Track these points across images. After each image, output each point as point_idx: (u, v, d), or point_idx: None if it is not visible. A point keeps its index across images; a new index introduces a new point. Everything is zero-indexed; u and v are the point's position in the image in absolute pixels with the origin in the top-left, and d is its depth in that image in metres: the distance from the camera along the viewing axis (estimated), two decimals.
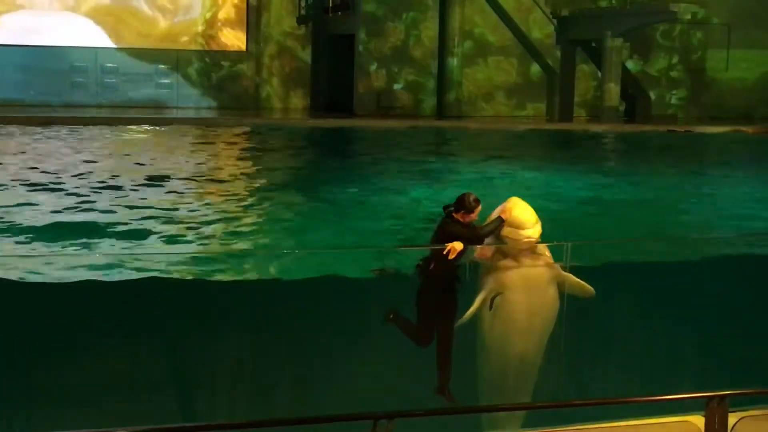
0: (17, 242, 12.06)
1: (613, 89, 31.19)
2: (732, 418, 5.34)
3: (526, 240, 7.93)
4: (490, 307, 8.05)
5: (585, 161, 22.63)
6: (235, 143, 24.97)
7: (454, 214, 7.95)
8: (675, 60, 34.54)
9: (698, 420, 5.41)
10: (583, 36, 32.59)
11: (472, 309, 8.03)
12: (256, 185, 17.49)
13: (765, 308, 9.80)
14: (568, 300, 8.22)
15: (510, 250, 8.05)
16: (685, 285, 9.82)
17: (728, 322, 9.59)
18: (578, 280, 8.16)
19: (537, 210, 8.11)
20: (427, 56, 32.11)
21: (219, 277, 9.99)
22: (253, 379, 8.73)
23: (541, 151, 25.85)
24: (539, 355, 8.23)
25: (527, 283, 8.08)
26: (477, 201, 7.95)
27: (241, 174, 18.84)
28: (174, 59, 32.44)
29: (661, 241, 12.21)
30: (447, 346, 8.07)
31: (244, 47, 33.01)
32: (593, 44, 32.45)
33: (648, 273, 10.00)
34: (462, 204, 7.92)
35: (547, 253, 8.20)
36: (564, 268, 8.19)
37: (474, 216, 7.94)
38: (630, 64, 33.81)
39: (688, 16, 30.25)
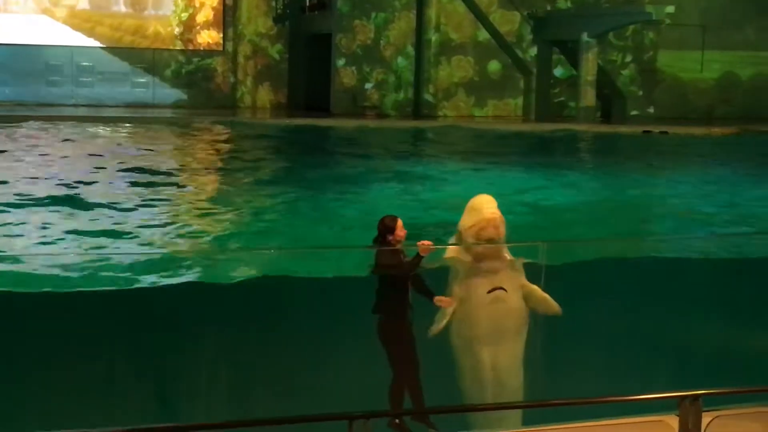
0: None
1: (589, 90, 31.34)
2: (705, 418, 5.38)
3: (489, 217, 7.94)
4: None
5: (563, 162, 22.72)
6: (210, 142, 24.88)
7: (383, 241, 8.02)
8: (628, 59, 34.74)
9: (672, 420, 5.44)
10: (560, 36, 32.70)
11: (439, 325, 8.04)
12: (230, 184, 17.43)
13: (737, 308, 9.88)
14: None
15: (475, 257, 8.05)
16: (660, 284, 9.87)
17: (702, 322, 9.65)
18: (545, 295, 8.13)
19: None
20: (400, 56, 32.22)
21: (189, 278, 9.94)
22: (229, 380, 8.72)
23: (519, 151, 25.89)
24: (514, 365, 8.15)
25: (491, 293, 8.05)
26: (393, 218, 8.05)
27: (214, 173, 18.81)
28: (150, 58, 32.34)
29: (636, 241, 12.27)
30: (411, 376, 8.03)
31: (220, 47, 32.95)
32: (569, 45, 32.57)
33: (623, 272, 10.05)
34: (384, 228, 8.01)
35: (509, 257, 8.17)
36: (539, 274, 8.17)
37: (400, 232, 8.00)
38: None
39: (662, 18, 30.45)
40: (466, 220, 8.09)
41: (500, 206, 8.18)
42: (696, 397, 5.34)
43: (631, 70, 34.70)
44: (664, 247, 11.89)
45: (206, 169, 19.49)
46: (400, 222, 8.02)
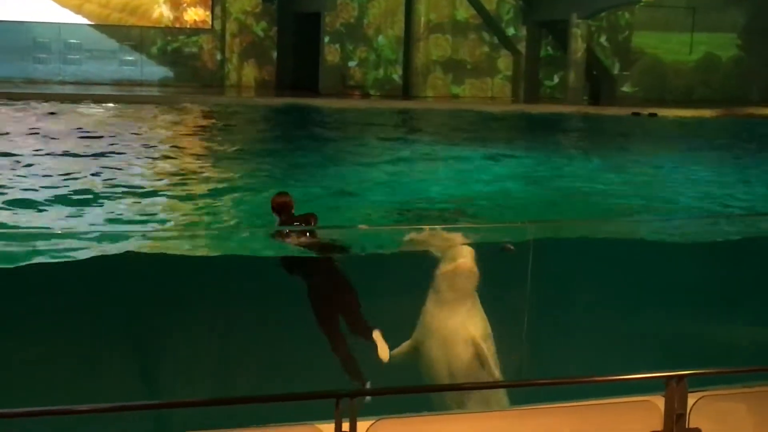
0: None
1: (578, 71, 31.35)
2: (691, 398, 5.40)
3: (462, 268, 8.09)
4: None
5: (550, 143, 22.71)
6: (197, 121, 24.82)
7: (290, 220, 8.14)
8: (602, 39, 34.74)
9: (658, 400, 5.46)
10: (549, 17, 32.70)
11: (395, 351, 8.14)
12: (214, 163, 17.35)
13: (724, 290, 9.91)
14: (532, 279, 8.26)
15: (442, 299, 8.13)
16: (645, 266, 9.89)
17: (688, 304, 9.68)
18: (489, 360, 8.12)
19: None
20: (381, 34, 32.24)
21: (173, 253, 9.86)
22: (216, 358, 8.72)
23: (508, 133, 25.89)
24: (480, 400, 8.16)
25: (446, 342, 8.18)
26: (279, 194, 8.32)
27: (200, 152, 18.71)
28: (138, 36, 32.19)
29: (622, 222, 12.29)
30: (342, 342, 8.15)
31: (207, 24, 32.81)
32: (558, 25, 32.58)
33: (609, 253, 10.06)
34: (279, 209, 8.09)
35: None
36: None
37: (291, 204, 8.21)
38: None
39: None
40: (443, 267, 8.23)
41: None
42: (682, 377, 5.37)
43: (606, 50, 34.72)
44: (649, 228, 11.89)
45: (187, 148, 19.38)
46: (284, 197, 8.25)
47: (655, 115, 29.26)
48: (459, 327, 8.15)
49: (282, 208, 8.18)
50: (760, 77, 35.20)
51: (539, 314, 8.46)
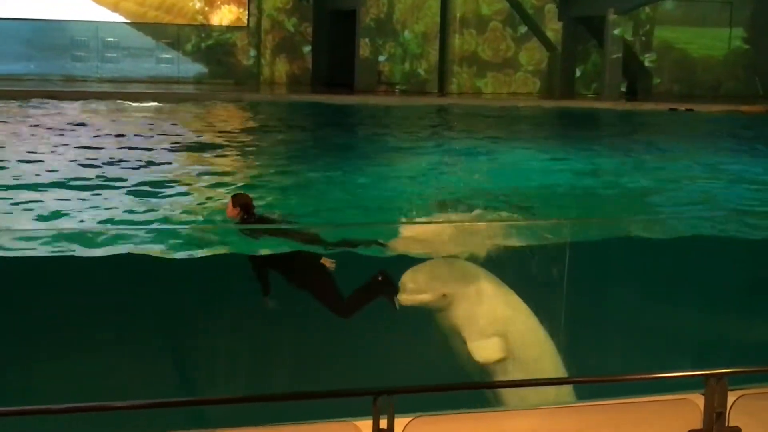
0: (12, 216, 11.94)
1: (615, 67, 31.18)
2: (731, 397, 5.36)
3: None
4: None
5: (590, 140, 22.54)
6: (233, 118, 24.89)
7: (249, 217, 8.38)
8: (637, 34, 34.52)
9: (697, 398, 5.42)
10: (586, 12, 32.54)
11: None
12: (249, 160, 17.36)
13: (763, 287, 9.83)
14: (568, 276, 8.22)
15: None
16: (683, 263, 9.82)
17: (727, 301, 9.60)
18: (479, 347, 8.14)
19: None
20: (427, 32, 32.24)
21: (201, 252, 9.86)
22: (253, 356, 8.74)
23: (543, 129, 25.76)
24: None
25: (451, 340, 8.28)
26: (242, 194, 8.81)
27: (234, 149, 18.73)
28: (174, 34, 32.38)
29: (659, 220, 12.19)
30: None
31: (241, 21, 32.93)
32: (595, 21, 32.43)
33: (647, 250, 10.00)
34: (246, 207, 8.47)
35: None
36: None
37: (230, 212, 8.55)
38: None
39: None
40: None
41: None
42: (721, 375, 5.33)
43: (640, 46, 34.52)
44: (688, 225, 11.78)
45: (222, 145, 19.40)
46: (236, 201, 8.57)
47: (691, 110, 29.01)
48: (457, 329, 8.17)
49: (248, 207, 8.46)
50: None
51: (577, 311, 8.42)
